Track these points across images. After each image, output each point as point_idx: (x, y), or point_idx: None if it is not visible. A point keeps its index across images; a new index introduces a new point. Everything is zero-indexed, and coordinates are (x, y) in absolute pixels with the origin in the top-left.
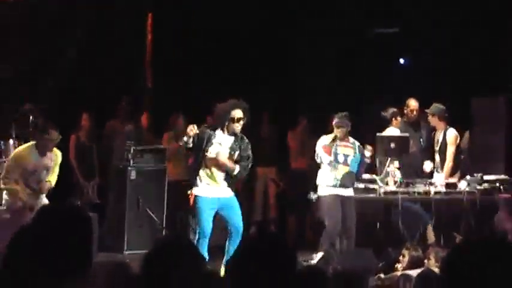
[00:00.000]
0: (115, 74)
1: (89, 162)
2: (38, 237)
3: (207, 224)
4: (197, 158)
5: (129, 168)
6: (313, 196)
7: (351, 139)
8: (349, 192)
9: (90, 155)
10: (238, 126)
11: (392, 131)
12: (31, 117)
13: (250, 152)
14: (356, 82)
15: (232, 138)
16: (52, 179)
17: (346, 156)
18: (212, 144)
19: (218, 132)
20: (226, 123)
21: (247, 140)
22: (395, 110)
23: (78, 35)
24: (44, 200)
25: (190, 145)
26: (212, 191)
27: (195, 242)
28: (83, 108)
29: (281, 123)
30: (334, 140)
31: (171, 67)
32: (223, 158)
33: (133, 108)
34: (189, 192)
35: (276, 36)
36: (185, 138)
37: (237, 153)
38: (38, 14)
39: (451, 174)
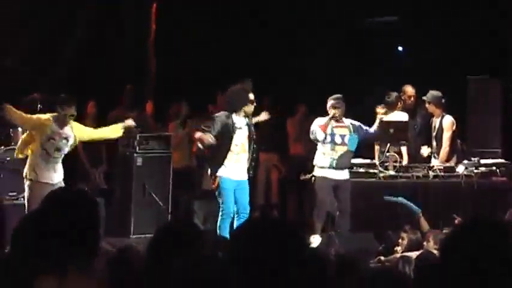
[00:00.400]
0: (119, 63)
1: (96, 149)
2: (47, 222)
3: (232, 203)
4: (225, 144)
5: (135, 155)
6: (303, 177)
7: (345, 120)
8: (344, 174)
9: (97, 142)
10: (252, 108)
11: (399, 115)
12: (39, 106)
13: None
14: (356, 71)
15: (244, 118)
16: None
17: (343, 136)
18: (235, 131)
19: (234, 116)
20: (245, 106)
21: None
22: (397, 94)
23: (82, 27)
24: (60, 181)
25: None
26: (236, 173)
27: (219, 220)
28: (87, 97)
29: (280, 111)
30: (331, 118)
31: (173, 56)
32: None
33: (136, 96)
34: (209, 174)
35: (277, 26)
36: (200, 146)
37: (252, 128)
38: (42, 6)
39: (447, 159)
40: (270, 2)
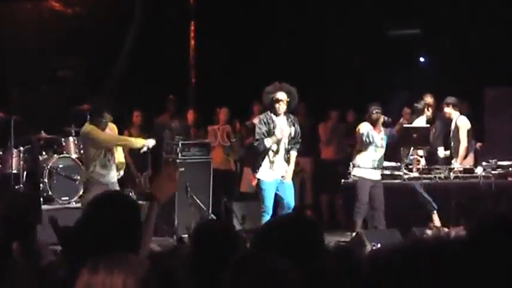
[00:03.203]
0: (162, 76)
1: (142, 155)
2: (93, 223)
3: (270, 203)
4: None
5: (178, 160)
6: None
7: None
8: (379, 174)
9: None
10: (279, 107)
11: (421, 121)
12: (88, 117)
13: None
14: (383, 80)
15: (284, 118)
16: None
17: (382, 140)
18: (274, 131)
19: (274, 117)
20: (272, 106)
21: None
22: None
23: (130, 40)
24: (115, 183)
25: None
26: (274, 173)
27: (261, 219)
28: (135, 105)
29: (312, 116)
30: (383, 123)
31: (212, 68)
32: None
33: (179, 105)
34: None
35: (310, 37)
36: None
37: (292, 129)
38: (95, 23)
39: (465, 155)
40: (302, 15)
